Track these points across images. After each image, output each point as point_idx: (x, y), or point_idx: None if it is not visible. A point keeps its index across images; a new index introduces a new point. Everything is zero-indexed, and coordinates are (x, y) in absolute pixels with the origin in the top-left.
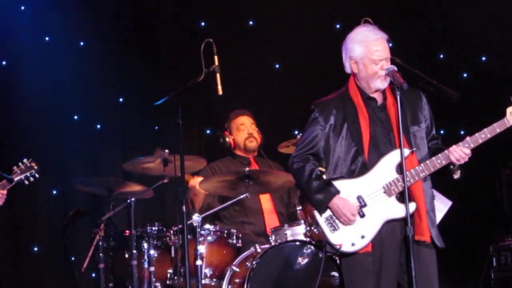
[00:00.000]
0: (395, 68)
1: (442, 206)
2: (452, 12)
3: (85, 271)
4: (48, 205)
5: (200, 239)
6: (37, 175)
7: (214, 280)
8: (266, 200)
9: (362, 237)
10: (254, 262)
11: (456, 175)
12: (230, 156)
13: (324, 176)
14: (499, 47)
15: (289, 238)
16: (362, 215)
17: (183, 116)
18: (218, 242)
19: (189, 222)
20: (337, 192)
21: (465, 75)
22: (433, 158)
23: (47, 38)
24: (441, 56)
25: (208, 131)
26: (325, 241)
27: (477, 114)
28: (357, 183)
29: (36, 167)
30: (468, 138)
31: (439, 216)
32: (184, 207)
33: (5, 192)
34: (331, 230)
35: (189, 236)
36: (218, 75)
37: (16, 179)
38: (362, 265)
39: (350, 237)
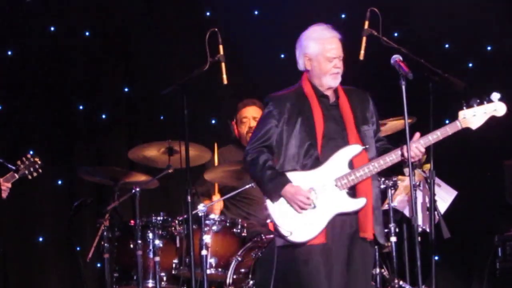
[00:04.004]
0: (400, 58)
1: (447, 196)
2: (457, 2)
3: (90, 261)
4: (53, 195)
5: (205, 229)
6: (40, 170)
7: (219, 270)
8: None
9: (312, 227)
10: (259, 252)
11: (407, 173)
12: (235, 145)
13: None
14: (505, 36)
15: None
16: (313, 207)
17: (188, 105)
18: (223, 232)
19: (194, 212)
20: (289, 181)
21: (470, 65)
22: (386, 155)
23: (52, 28)
24: (447, 46)
25: (213, 121)
26: (275, 230)
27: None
28: (310, 175)
29: (39, 162)
30: (420, 139)
31: (444, 206)
32: (189, 197)
33: (9, 185)
34: (282, 219)
35: (194, 226)
36: (223, 65)
37: (19, 174)
38: (315, 256)
39: (300, 227)
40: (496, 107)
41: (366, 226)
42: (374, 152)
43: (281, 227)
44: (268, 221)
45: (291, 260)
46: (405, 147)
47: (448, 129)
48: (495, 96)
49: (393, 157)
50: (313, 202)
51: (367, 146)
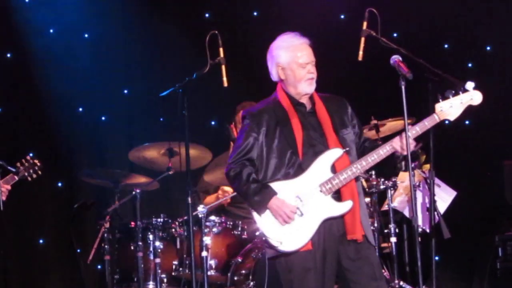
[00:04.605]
0: (400, 58)
1: (446, 196)
2: (457, 2)
3: (91, 262)
4: (54, 197)
5: (206, 230)
6: (40, 172)
7: (220, 271)
8: None
9: (301, 235)
10: (259, 254)
11: (400, 165)
12: None
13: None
14: (504, 37)
15: None
16: (301, 214)
17: (188, 107)
18: (224, 233)
19: (194, 214)
20: (275, 193)
21: (470, 65)
22: (368, 155)
23: (51, 30)
24: (446, 46)
25: (213, 123)
26: (264, 242)
27: (482, 104)
28: (294, 183)
29: (39, 164)
30: (398, 136)
31: (444, 206)
32: (189, 199)
33: (9, 187)
34: (271, 230)
35: (194, 228)
36: (223, 67)
37: (19, 176)
38: (303, 263)
39: (289, 236)
40: (472, 96)
41: (354, 228)
42: (355, 154)
43: (271, 238)
44: (257, 233)
45: (278, 269)
46: (395, 140)
47: (427, 123)
48: (470, 85)
49: (374, 157)
50: (299, 210)
51: (347, 149)
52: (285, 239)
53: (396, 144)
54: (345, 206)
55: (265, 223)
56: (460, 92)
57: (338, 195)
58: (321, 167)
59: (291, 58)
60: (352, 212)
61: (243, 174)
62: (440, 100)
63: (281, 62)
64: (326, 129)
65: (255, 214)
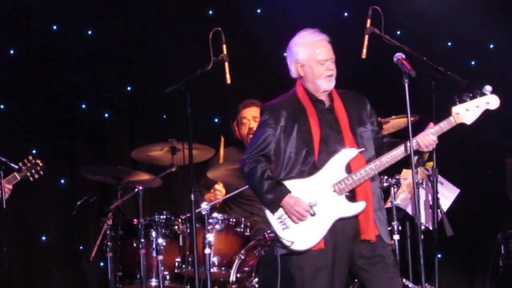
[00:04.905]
0: (403, 56)
1: (449, 194)
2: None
3: (93, 260)
4: (56, 194)
5: (209, 227)
6: (42, 172)
7: (223, 268)
8: None
9: (313, 235)
10: (262, 251)
11: (421, 163)
12: (237, 146)
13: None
14: (507, 34)
15: None
16: (313, 214)
17: (191, 104)
18: (227, 230)
19: (197, 211)
20: (288, 191)
21: (473, 63)
22: (383, 156)
23: (54, 27)
24: (449, 44)
25: (216, 120)
26: (276, 240)
27: None
28: (308, 182)
29: (41, 164)
30: (415, 138)
31: (446, 203)
32: (192, 196)
33: (10, 186)
34: (282, 229)
35: (197, 225)
36: (226, 64)
37: (21, 175)
38: (314, 262)
39: (301, 235)
40: (489, 100)
41: (368, 228)
42: (373, 152)
43: (283, 238)
44: (269, 232)
45: (290, 267)
46: (419, 136)
47: (442, 126)
48: (487, 89)
49: (388, 158)
50: (312, 209)
51: (362, 149)
52: (297, 238)
53: (421, 140)
54: (358, 207)
55: (277, 222)
56: (477, 96)
57: (352, 195)
58: (335, 166)
59: (310, 55)
60: (365, 212)
61: (257, 170)
62: (457, 103)
63: (300, 58)
64: (343, 127)
65: (267, 212)
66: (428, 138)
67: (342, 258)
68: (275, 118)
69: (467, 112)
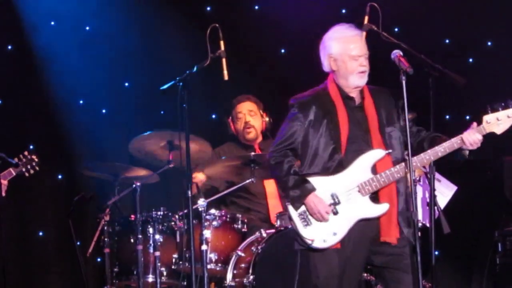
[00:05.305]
0: (401, 53)
1: (447, 191)
2: None
3: (90, 256)
4: (53, 190)
5: (206, 224)
6: (37, 168)
7: (220, 265)
8: (270, 185)
9: (334, 234)
10: (259, 247)
11: (462, 159)
12: (234, 142)
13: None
14: (505, 32)
15: None
16: (336, 213)
17: (188, 101)
18: (224, 227)
19: (194, 207)
20: (313, 189)
21: (471, 60)
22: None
23: (52, 23)
24: (447, 41)
25: (213, 116)
26: (296, 236)
27: (483, 99)
28: (332, 180)
29: (36, 160)
30: (438, 147)
31: (444, 200)
32: (189, 192)
33: (6, 182)
34: (304, 225)
35: (194, 221)
36: (224, 60)
37: (16, 171)
38: (329, 260)
39: (322, 234)
40: None
41: (389, 230)
42: (400, 152)
43: (304, 236)
44: (290, 226)
45: (306, 263)
46: (465, 135)
47: (472, 135)
48: None
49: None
50: (335, 208)
51: (390, 151)
52: (318, 236)
53: (466, 138)
54: (381, 209)
55: (299, 219)
56: (510, 106)
57: (375, 196)
58: (361, 166)
59: (343, 50)
60: (388, 214)
61: (284, 165)
62: (489, 111)
63: (333, 53)
64: (372, 126)
65: (290, 208)
66: (474, 136)
67: (358, 259)
68: (304, 112)
69: (497, 121)
